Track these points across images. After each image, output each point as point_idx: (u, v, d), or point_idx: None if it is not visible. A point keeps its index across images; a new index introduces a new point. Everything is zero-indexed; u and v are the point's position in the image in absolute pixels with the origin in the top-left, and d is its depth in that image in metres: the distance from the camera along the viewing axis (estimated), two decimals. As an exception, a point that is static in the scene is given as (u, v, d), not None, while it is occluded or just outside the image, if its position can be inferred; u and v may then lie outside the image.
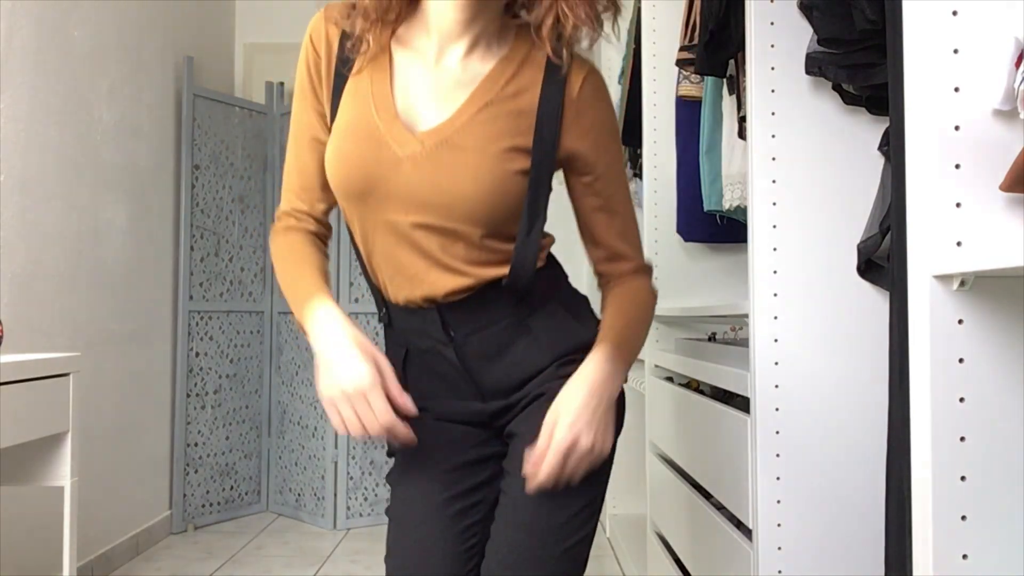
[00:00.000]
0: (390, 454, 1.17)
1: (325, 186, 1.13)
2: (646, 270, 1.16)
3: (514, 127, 1.05)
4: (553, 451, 0.99)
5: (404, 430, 1.00)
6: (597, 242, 1.14)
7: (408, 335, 1.14)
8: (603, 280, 1.16)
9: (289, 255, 1.13)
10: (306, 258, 1.12)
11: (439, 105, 1.07)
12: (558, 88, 1.08)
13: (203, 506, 3.38)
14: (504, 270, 1.08)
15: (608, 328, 1.09)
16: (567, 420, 1.00)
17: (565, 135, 1.08)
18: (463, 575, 1.08)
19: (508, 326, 1.10)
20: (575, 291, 1.17)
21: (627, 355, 1.08)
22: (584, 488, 1.04)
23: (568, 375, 1.05)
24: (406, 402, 1.01)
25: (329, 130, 1.11)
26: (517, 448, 1.07)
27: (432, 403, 1.14)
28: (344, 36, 1.10)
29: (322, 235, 1.17)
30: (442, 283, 1.08)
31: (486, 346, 1.10)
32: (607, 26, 1.08)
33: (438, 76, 1.08)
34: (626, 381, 1.08)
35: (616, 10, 1.08)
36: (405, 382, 1.10)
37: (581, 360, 1.06)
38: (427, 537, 1.09)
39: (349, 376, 0.99)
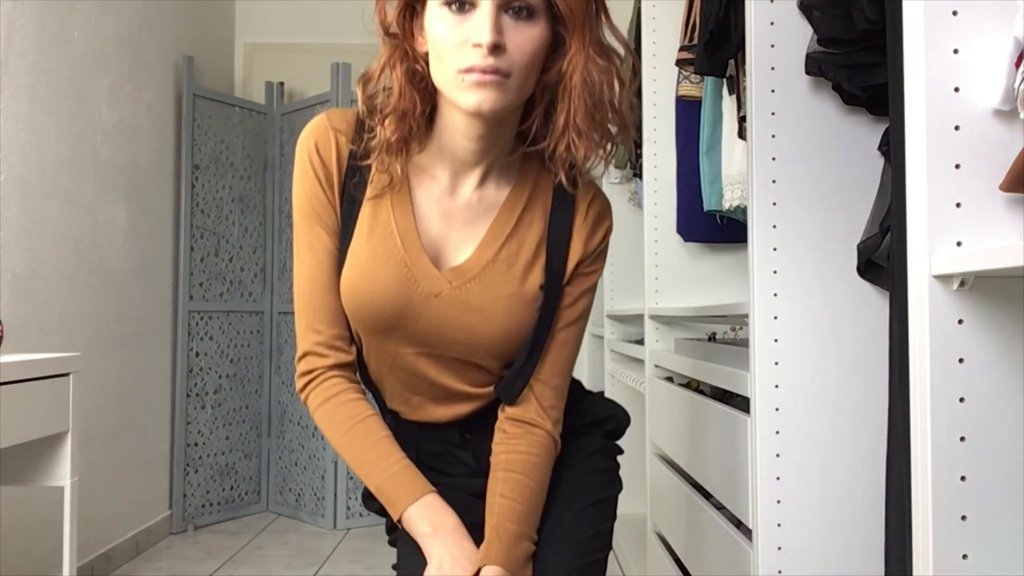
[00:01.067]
0: (390, 534, 1.15)
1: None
2: (554, 439, 1.09)
3: (532, 260, 1.06)
4: None
5: None
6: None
7: (418, 439, 1.14)
8: (502, 423, 1.10)
9: (353, 427, 1.06)
10: (377, 431, 1.07)
11: (460, 240, 1.06)
12: (568, 213, 1.08)
13: (203, 506, 3.38)
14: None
15: (502, 529, 1.02)
16: None
17: (571, 258, 1.08)
18: None
19: None
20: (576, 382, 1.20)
21: (519, 556, 1.03)
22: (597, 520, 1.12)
23: (575, 442, 1.13)
24: None
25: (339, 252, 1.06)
26: None
27: (443, 480, 1.13)
28: (353, 153, 1.05)
29: (363, 390, 1.13)
30: (458, 409, 1.11)
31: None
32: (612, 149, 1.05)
33: (454, 207, 1.06)
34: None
35: (627, 135, 1.04)
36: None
37: (588, 431, 1.15)
38: None
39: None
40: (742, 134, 1.75)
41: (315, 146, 1.06)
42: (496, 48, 0.92)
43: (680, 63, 2.07)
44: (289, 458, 3.54)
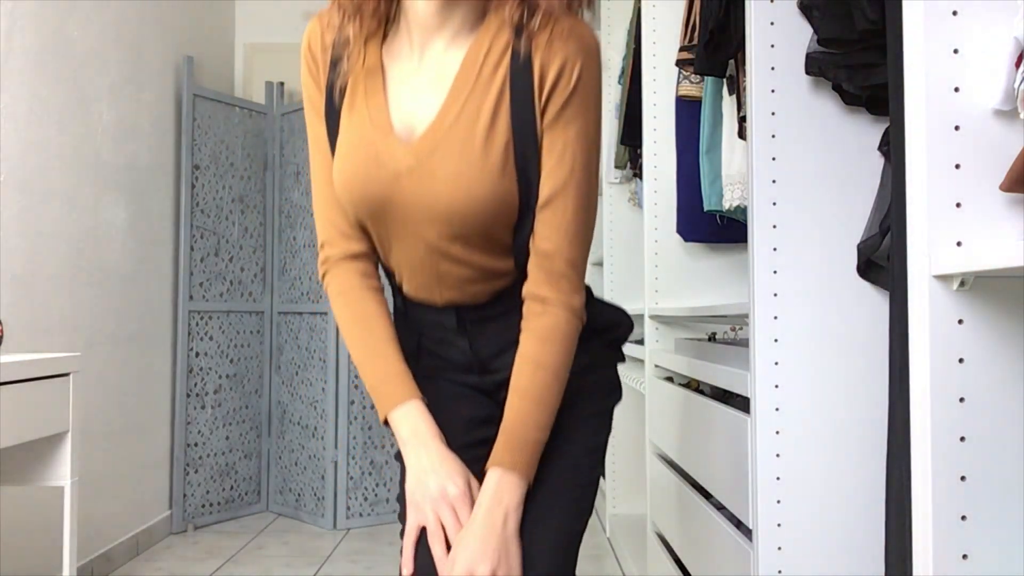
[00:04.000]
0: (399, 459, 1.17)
1: None
2: (570, 307, 1.07)
3: (494, 113, 1.03)
4: None
5: None
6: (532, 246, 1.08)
7: (422, 325, 1.16)
8: (523, 307, 1.09)
9: (358, 322, 1.11)
10: (379, 331, 1.10)
11: (426, 105, 1.06)
12: (526, 47, 1.03)
13: (203, 506, 3.38)
14: (511, 277, 1.10)
15: (508, 431, 1.05)
16: (464, 555, 0.99)
17: (536, 95, 1.03)
18: None
19: (518, 322, 1.11)
20: None
21: (527, 456, 1.05)
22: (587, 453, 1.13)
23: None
24: None
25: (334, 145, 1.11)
26: None
27: (443, 375, 1.18)
28: (335, 43, 1.09)
29: (377, 275, 1.16)
30: (457, 292, 1.11)
31: (497, 337, 1.13)
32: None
33: (424, 79, 1.07)
34: (530, 480, 1.05)
35: None
36: (419, 362, 1.15)
37: (585, 340, 1.09)
38: None
39: (442, 483, 1.03)
40: (742, 134, 1.75)
41: (307, 42, 1.11)
42: None
43: (680, 63, 2.07)
44: (289, 458, 3.54)
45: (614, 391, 1.21)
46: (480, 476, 1.07)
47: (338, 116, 1.10)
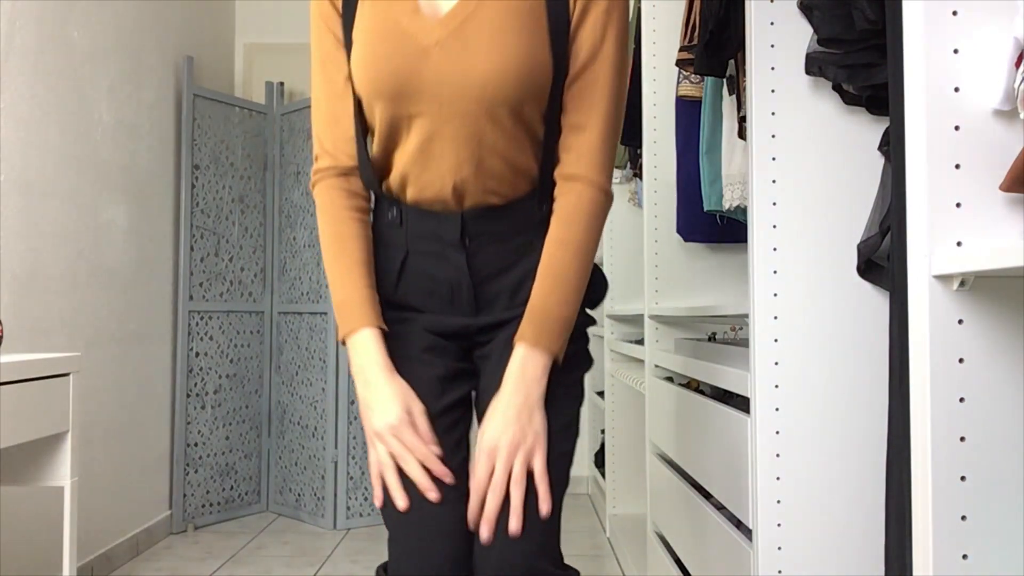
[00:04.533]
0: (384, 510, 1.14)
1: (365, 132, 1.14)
2: (598, 185, 1.10)
3: None
4: (494, 480, 1.03)
5: (438, 465, 1.04)
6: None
7: (416, 238, 1.15)
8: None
9: (336, 242, 1.13)
10: (353, 253, 1.12)
11: None
12: None
13: (203, 506, 3.38)
14: (530, 185, 1.11)
15: (530, 308, 1.08)
16: (490, 429, 1.04)
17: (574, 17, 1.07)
18: (462, 487, 1.07)
19: (521, 244, 1.11)
20: None
21: (550, 331, 1.07)
22: (559, 414, 1.09)
23: None
24: (434, 448, 1.06)
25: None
26: (489, 370, 1.12)
27: (422, 316, 1.16)
28: None
29: (365, 195, 1.17)
30: (473, 186, 1.10)
31: (495, 258, 1.13)
32: None
33: None
34: (561, 354, 1.08)
35: None
36: (397, 289, 1.15)
37: None
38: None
39: (382, 416, 1.05)
40: (742, 134, 1.75)
41: None
42: None
43: (680, 63, 2.07)
44: (289, 458, 3.54)
45: (584, 360, 1.19)
46: (456, 444, 1.09)
47: (352, 15, 1.10)
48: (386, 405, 1.05)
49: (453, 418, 1.11)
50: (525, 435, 1.04)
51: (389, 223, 1.16)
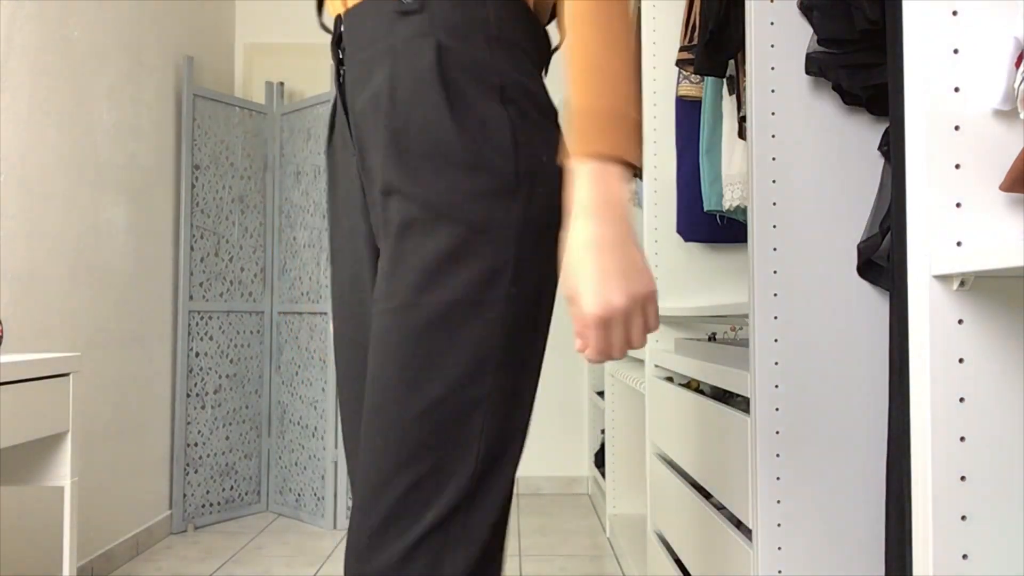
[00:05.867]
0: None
1: None
2: None
3: None
4: (586, 332, 0.76)
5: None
6: None
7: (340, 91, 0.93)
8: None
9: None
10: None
11: None
12: None
13: (203, 506, 3.38)
14: None
15: (569, 120, 0.79)
16: (579, 282, 0.76)
17: None
18: None
19: (384, 50, 0.84)
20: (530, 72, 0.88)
21: (583, 133, 0.79)
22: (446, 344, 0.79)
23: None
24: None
25: None
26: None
27: (343, 216, 0.96)
28: None
29: None
30: None
31: (363, 79, 0.87)
32: None
33: None
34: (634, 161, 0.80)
35: None
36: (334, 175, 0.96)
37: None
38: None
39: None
40: (742, 134, 1.75)
41: None
42: None
43: (680, 63, 2.07)
44: (289, 458, 3.54)
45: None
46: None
47: None
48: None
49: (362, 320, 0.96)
50: (635, 285, 0.77)
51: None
